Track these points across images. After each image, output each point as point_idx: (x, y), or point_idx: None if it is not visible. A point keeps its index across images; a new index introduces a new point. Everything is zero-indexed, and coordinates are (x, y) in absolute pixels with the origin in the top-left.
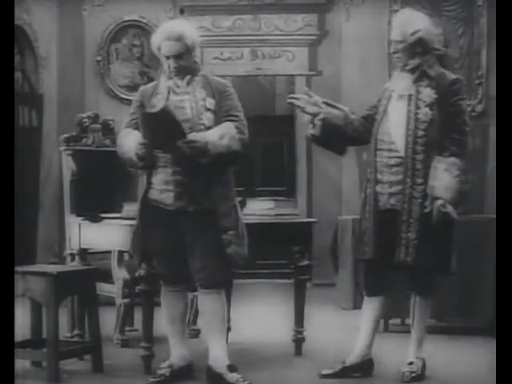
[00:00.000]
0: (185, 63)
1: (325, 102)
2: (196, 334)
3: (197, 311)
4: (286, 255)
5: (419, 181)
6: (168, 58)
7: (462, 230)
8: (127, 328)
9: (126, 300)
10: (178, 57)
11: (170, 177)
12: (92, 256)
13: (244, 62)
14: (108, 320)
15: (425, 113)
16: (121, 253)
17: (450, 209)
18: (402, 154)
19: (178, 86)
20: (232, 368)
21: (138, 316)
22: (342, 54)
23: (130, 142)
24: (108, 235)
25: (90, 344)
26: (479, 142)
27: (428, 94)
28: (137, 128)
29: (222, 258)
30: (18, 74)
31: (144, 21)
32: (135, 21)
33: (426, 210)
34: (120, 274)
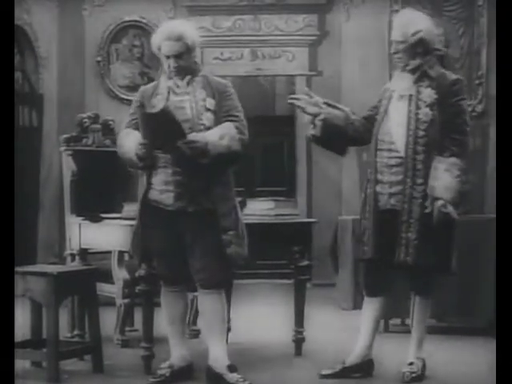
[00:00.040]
0: (185, 63)
1: (325, 103)
2: (196, 334)
3: (197, 311)
4: (286, 255)
5: (419, 181)
6: (168, 57)
7: (462, 229)
8: (127, 328)
9: (126, 300)
10: (178, 57)
11: (170, 177)
12: (92, 256)
13: (244, 62)
14: (108, 320)
15: (425, 113)
16: (121, 253)
17: (450, 209)
18: (402, 154)
19: (178, 87)
20: (232, 368)
21: (138, 316)
22: (342, 54)
23: (130, 142)
24: (108, 235)
25: (90, 344)
26: (479, 142)
27: (428, 94)
28: (137, 128)
29: (221, 258)
30: (18, 74)
31: (144, 21)
32: (135, 21)
33: (427, 211)
34: (120, 274)
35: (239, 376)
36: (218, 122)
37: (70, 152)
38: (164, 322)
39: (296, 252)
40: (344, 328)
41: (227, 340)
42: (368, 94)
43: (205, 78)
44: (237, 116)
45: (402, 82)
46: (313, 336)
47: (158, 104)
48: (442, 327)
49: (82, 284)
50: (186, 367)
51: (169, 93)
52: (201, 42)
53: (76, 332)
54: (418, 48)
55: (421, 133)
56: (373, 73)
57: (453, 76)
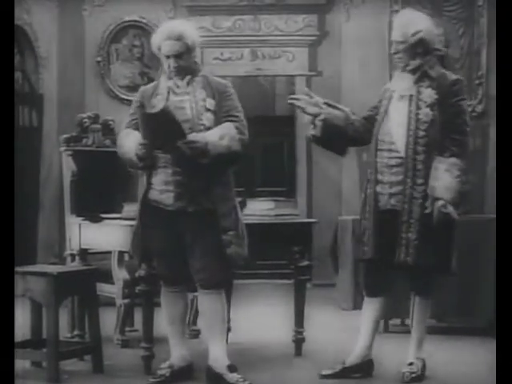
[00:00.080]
0: (185, 63)
1: (325, 103)
2: (196, 334)
3: (197, 312)
4: (286, 255)
5: (420, 181)
6: (168, 57)
7: (462, 230)
8: (127, 328)
9: (126, 300)
10: (178, 56)
11: (169, 177)
12: (92, 256)
13: (244, 62)
14: (108, 320)
15: (426, 113)
16: (121, 253)
17: (450, 209)
18: (402, 154)
19: (178, 87)
20: (232, 368)
21: (138, 316)
22: (342, 54)
23: (130, 142)
24: (108, 235)
25: (90, 344)
26: (479, 142)
27: (429, 94)
28: (137, 128)
29: (221, 258)
30: (18, 74)
31: (144, 21)
32: (135, 21)
33: (427, 211)
34: (120, 275)
35: (239, 376)
36: (217, 122)
37: (69, 152)
38: (164, 322)
39: (296, 252)
40: (344, 328)
41: (227, 340)
42: (368, 94)
43: (205, 78)
44: (237, 116)
45: (402, 83)
46: (313, 336)
47: (157, 104)
48: (441, 327)
49: (82, 284)
50: (186, 367)
51: (169, 93)
52: (201, 42)
53: (76, 332)
54: (418, 48)
55: (421, 133)
56: (373, 73)
57: (453, 76)
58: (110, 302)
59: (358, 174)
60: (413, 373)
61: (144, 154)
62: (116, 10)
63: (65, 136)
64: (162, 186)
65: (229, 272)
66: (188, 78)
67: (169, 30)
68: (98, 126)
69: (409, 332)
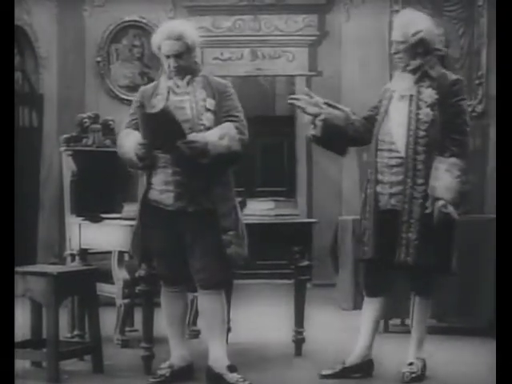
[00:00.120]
0: (185, 63)
1: (326, 103)
2: (196, 334)
3: (197, 312)
4: (286, 256)
5: (420, 181)
6: (168, 57)
7: (462, 230)
8: (127, 328)
9: (126, 300)
10: (178, 56)
11: (169, 177)
12: (92, 256)
13: (244, 62)
14: (108, 320)
15: (426, 113)
16: (121, 253)
17: (450, 209)
18: (402, 154)
19: (178, 87)
20: (232, 368)
21: (138, 316)
22: (342, 54)
23: (130, 142)
24: (108, 235)
25: (91, 344)
26: (479, 143)
27: (429, 94)
28: (137, 128)
29: (221, 258)
30: (18, 75)
31: (144, 21)
32: (135, 21)
33: (427, 211)
34: (120, 275)
35: (239, 376)
36: (217, 122)
37: (70, 152)
38: (164, 322)
39: (296, 252)
40: (344, 328)
41: (227, 340)
42: (368, 94)
43: (205, 78)
44: (237, 116)
45: (402, 83)
46: (313, 336)
47: (157, 104)
48: (442, 327)
49: (82, 284)
50: (186, 367)
51: (169, 93)
52: (201, 42)
53: (76, 332)
54: (419, 48)
55: (421, 133)
56: (373, 73)
57: (453, 76)
58: (110, 302)
59: (358, 174)
60: (413, 373)
61: (144, 153)
62: (116, 10)
63: (65, 136)
64: (161, 186)
65: (229, 272)
66: (188, 77)
67: (169, 30)
68: (98, 126)
69: (409, 332)
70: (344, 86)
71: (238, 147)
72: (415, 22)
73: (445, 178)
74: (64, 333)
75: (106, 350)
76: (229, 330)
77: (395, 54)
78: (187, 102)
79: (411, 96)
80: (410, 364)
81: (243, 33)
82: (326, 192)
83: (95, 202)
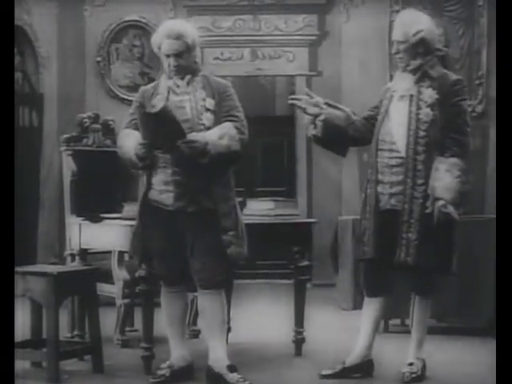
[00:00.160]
0: (185, 62)
1: (326, 103)
2: (196, 334)
3: (197, 312)
4: (286, 255)
5: (420, 181)
6: (168, 56)
7: (462, 230)
8: (127, 328)
9: (126, 300)
10: (178, 55)
11: (169, 177)
12: (92, 256)
13: (244, 62)
14: (108, 320)
15: (426, 113)
16: (121, 253)
17: (451, 209)
18: (403, 154)
19: (178, 86)
20: (232, 368)
21: (138, 316)
22: (342, 54)
23: (130, 142)
24: (108, 235)
25: (91, 344)
26: (479, 143)
27: (429, 94)
28: (136, 128)
29: (221, 258)
30: (18, 75)
31: (144, 21)
32: (136, 21)
33: (427, 211)
34: (120, 275)
35: (239, 376)
36: (217, 122)
37: (70, 152)
38: (164, 322)
39: (296, 252)
40: (344, 328)
41: (227, 340)
42: (368, 94)
43: (205, 78)
44: (237, 116)
45: (402, 83)
46: (313, 336)
47: (157, 104)
48: (442, 327)
49: (82, 284)
50: (186, 367)
51: (169, 92)
52: (201, 42)
53: (76, 332)
54: (419, 48)
55: (421, 133)
56: (373, 73)
57: (454, 76)
58: (110, 302)
59: (358, 174)
60: (413, 373)
61: (144, 153)
62: (116, 10)
63: (65, 136)
64: (161, 186)
65: (229, 272)
66: (188, 77)
67: (169, 29)
68: (98, 126)
69: (409, 332)
70: (344, 86)
71: (237, 147)
72: (416, 22)
73: (445, 178)
74: (64, 333)
75: (106, 350)
76: (229, 329)
77: (396, 53)
78: (187, 101)
79: (411, 96)
80: (410, 364)
81: (243, 33)
82: (326, 192)
83: (95, 201)
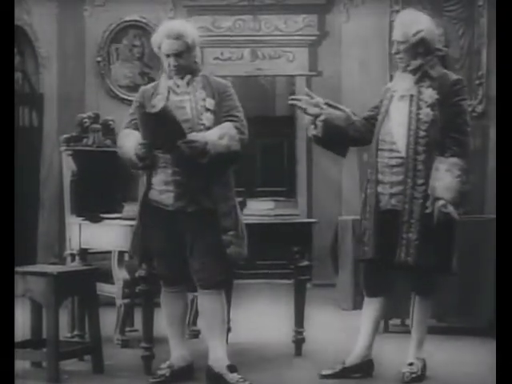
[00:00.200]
0: (185, 62)
1: (326, 103)
2: (196, 334)
3: (197, 312)
4: (286, 255)
5: (420, 181)
6: (168, 56)
7: (462, 230)
8: (127, 328)
9: (126, 300)
10: (178, 55)
11: (169, 177)
12: (92, 256)
13: (244, 62)
14: (108, 320)
15: (426, 113)
16: (121, 253)
17: (451, 209)
18: (403, 154)
19: (178, 86)
20: (232, 368)
21: (138, 316)
22: (342, 54)
23: (130, 142)
24: (108, 235)
25: (91, 344)
26: (479, 143)
27: (430, 94)
28: (136, 128)
29: (221, 258)
30: (18, 75)
31: (144, 21)
32: (136, 21)
33: (428, 211)
34: (120, 275)
35: (239, 376)
36: (217, 122)
37: (70, 152)
38: (164, 322)
39: (296, 252)
40: (344, 328)
41: (227, 340)
42: (368, 94)
43: (205, 78)
44: (237, 116)
45: (403, 83)
46: (313, 336)
47: (157, 104)
48: (442, 327)
49: (82, 284)
50: (186, 367)
51: (169, 92)
52: (201, 42)
53: (76, 332)
54: (419, 48)
55: (422, 133)
56: (373, 73)
57: (454, 76)
58: (110, 302)
59: (358, 174)
60: (413, 373)
61: (144, 153)
62: (116, 10)
63: (65, 136)
64: (161, 186)
65: (229, 272)
66: (188, 77)
67: (169, 29)
68: (98, 126)
69: (409, 332)
70: (344, 86)
71: (237, 147)
72: (416, 22)
73: (445, 178)
74: (64, 333)
75: (106, 350)
76: (229, 330)
77: (396, 53)
78: (187, 101)
79: (411, 96)
80: (410, 364)
81: (243, 33)
82: (326, 192)
83: (95, 201)
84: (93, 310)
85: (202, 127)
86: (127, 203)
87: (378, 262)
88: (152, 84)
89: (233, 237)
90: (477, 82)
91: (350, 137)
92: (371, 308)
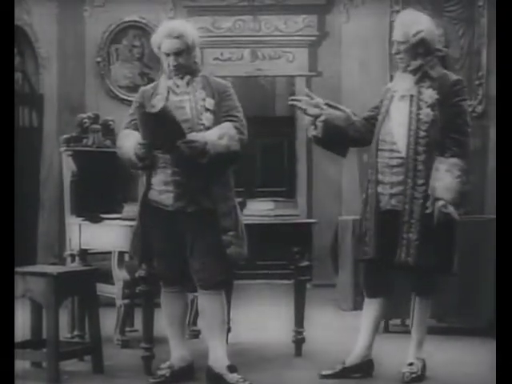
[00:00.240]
0: (184, 61)
1: (326, 104)
2: (196, 334)
3: (197, 312)
4: (286, 256)
5: (420, 181)
6: (168, 55)
7: (462, 230)
8: (127, 329)
9: (126, 301)
10: (177, 54)
11: (169, 177)
12: (92, 257)
13: (244, 62)
14: (108, 321)
15: (426, 113)
16: (121, 253)
17: (451, 209)
18: (403, 154)
19: (177, 86)
20: (232, 368)
21: (138, 317)
22: (342, 54)
23: (129, 142)
24: (108, 236)
25: (91, 345)
26: (479, 143)
27: (430, 94)
28: (136, 129)
29: (221, 258)
30: (18, 75)
31: (144, 21)
32: (135, 21)
33: (428, 211)
34: (120, 275)
35: (239, 376)
36: (217, 122)
37: (70, 152)
38: (164, 322)
39: (296, 252)
40: (344, 328)
41: (227, 340)
42: (368, 94)
43: (204, 79)
44: (236, 116)
45: (403, 83)
46: (313, 336)
47: (157, 104)
48: (442, 327)
49: (82, 284)
50: (186, 367)
51: (168, 93)
52: (201, 43)
53: (76, 332)
54: (420, 48)
55: (422, 133)
56: (373, 73)
57: (454, 77)
58: (110, 303)
59: (358, 174)
60: (413, 373)
61: (143, 153)
62: (116, 11)
63: (65, 136)
64: (161, 187)
65: (228, 272)
66: (188, 78)
67: (169, 29)
68: (98, 127)
69: (409, 332)
70: (344, 87)
71: (237, 147)
72: (416, 23)
73: (445, 178)
74: (64, 333)
75: (106, 351)
76: (229, 330)
77: (396, 54)
78: (187, 101)
79: (412, 96)
80: (410, 364)
81: (243, 33)
82: (326, 192)
83: (95, 202)
84: (93, 311)
85: (201, 127)
86: (127, 203)
87: (378, 262)
88: (152, 84)
89: (233, 237)
90: (477, 82)
91: (350, 137)
92: (371, 308)
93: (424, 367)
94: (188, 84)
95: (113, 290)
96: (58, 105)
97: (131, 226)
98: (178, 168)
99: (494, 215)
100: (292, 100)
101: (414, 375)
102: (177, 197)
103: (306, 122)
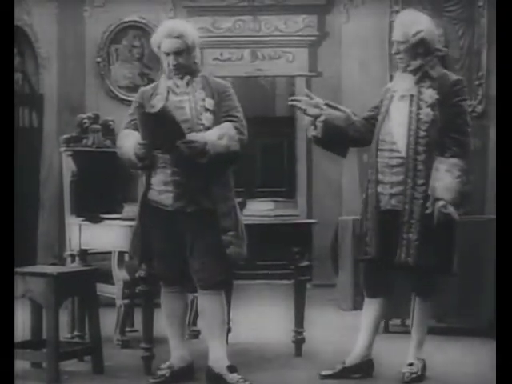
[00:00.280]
0: (184, 61)
1: (326, 104)
2: (196, 334)
3: (197, 312)
4: (286, 256)
5: (420, 181)
6: (168, 54)
7: (462, 230)
8: (127, 329)
9: (126, 301)
10: (177, 53)
11: (169, 177)
12: (92, 257)
13: (244, 62)
14: (108, 321)
15: (426, 113)
16: (121, 254)
17: (451, 210)
18: (403, 154)
19: (177, 87)
20: (232, 369)
21: (138, 317)
22: (342, 55)
23: (129, 142)
24: (108, 236)
25: (91, 345)
26: (479, 143)
27: (430, 94)
28: (136, 129)
29: (221, 258)
30: (18, 75)
31: (144, 22)
32: (135, 22)
33: (428, 211)
34: (120, 275)
35: (239, 376)
36: (217, 122)
37: (69, 152)
38: (164, 322)
39: (296, 252)
40: (344, 328)
41: (227, 340)
42: (368, 94)
43: (204, 79)
44: (236, 116)
45: (403, 83)
46: (313, 337)
47: (157, 104)
48: (442, 328)
49: (82, 285)
50: (186, 368)
51: (168, 93)
52: (201, 43)
53: (76, 333)
54: (419, 48)
55: (422, 133)
56: (373, 73)
57: (454, 77)
58: (110, 303)
59: (358, 174)
60: (413, 373)
61: (143, 153)
62: (116, 11)
63: (65, 136)
64: (161, 187)
65: (228, 272)
66: (187, 78)
67: (169, 28)
68: (98, 127)
69: (409, 332)
70: (344, 87)
71: (237, 147)
72: (416, 22)
73: (445, 178)
74: (64, 333)
75: (106, 351)
76: (229, 330)
77: (396, 54)
78: (186, 102)
79: (412, 96)
80: (410, 364)
81: (243, 33)
82: (326, 192)
83: (95, 202)
84: (93, 311)
85: (201, 127)
86: (127, 204)
87: (379, 262)
88: (151, 85)
89: (233, 237)
90: (477, 82)
91: (350, 137)
92: (371, 308)
93: (424, 367)
94: (188, 84)
95: (113, 290)
96: (57, 105)
97: (131, 226)
98: (177, 168)
99: (494, 215)
100: (292, 100)
101: (414, 375)
102: (176, 197)
103: (305, 122)
